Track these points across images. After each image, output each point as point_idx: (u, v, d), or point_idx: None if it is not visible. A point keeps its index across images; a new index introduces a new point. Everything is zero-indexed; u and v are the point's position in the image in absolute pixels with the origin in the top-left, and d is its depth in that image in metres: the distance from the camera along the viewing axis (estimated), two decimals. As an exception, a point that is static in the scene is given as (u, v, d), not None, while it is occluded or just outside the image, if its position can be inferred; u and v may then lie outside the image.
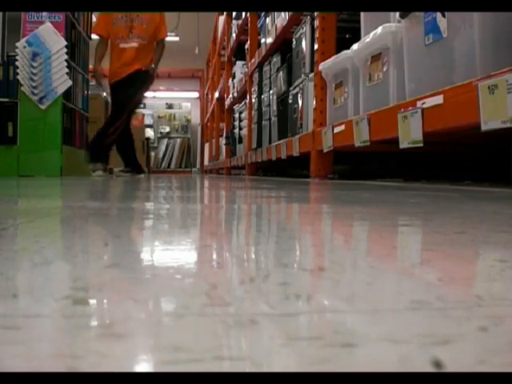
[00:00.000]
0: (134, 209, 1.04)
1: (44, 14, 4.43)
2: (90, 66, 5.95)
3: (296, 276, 0.37)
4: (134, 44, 4.74)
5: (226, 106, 8.06)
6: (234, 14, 6.87)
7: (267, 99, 4.68)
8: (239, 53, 6.95)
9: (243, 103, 6.31)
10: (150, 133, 12.67)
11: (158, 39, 4.92)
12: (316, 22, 3.14)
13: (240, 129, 6.55)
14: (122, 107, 4.79)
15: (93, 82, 5.68)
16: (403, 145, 1.87)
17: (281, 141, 3.92)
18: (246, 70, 5.95)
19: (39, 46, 4.31)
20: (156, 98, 13.21)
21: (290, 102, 3.74)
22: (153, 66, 4.88)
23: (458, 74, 1.61)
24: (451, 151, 2.84)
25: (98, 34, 4.89)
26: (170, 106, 13.90)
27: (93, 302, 0.30)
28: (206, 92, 12.83)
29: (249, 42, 5.79)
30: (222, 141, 8.40)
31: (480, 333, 0.24)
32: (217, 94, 9.46)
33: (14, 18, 4.36)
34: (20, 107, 4.37)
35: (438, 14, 1.69)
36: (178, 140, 13.72)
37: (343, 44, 2.80)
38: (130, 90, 4.71)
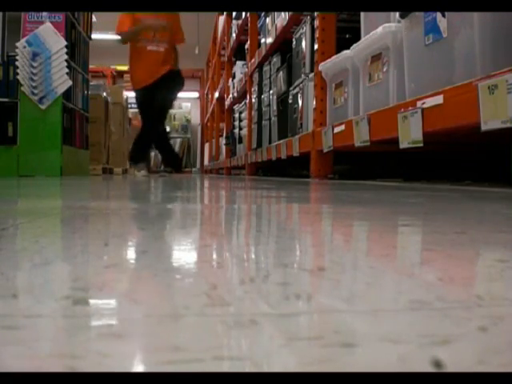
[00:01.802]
0: (135, 209, 1.04)
1: (44, 14, 4.43)
2: (91, 66, 5.95)
3: (296, 276, 0.37)
4: (161, 49, 4.81)
5: (226, 106, 8.06)
6: (233, 14, 6.87)
7: (267, 99, 4.68)
8: (239, 53, 6.95)
9: (243, 103, 6.31)
10: (150, 133, 12.65)
11: (176, 44, 4.97)
12: (316, 22, 3.14)
13: (240, 129, 6.55)
14: (164, 109, 4.95)
15: (93, 82, 5.68)
16: (403, 145, 1.87)
17: (281, 141, 3.92)
18: (246, 69, 5.95)
19: (39, 46, 4.31)
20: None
21: (290, 102, 3.74)
22: (177, 65, 4.95)
23: (458, 74, 1.61)
24: (451, 151, 2.84)
25: (124, 32, 4.92)
26: (169, 106, 13.88)
27: (93, 301, 0.30)
28: (206, 92, 12.83)
29: (249, 42, 5.79)
30: (222, 141, 8.40)
31: (480, 333, 0.24)
32: (217, 94, 9.46)
33: (14, 18, 4.36)
34: (20, 107, 4.36)
35: (438, 14, 1.69)
36: (178, 140, 13.71)
37: (343, 44, 2.80)
38: (168, 90, 4.82)
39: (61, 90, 4.40)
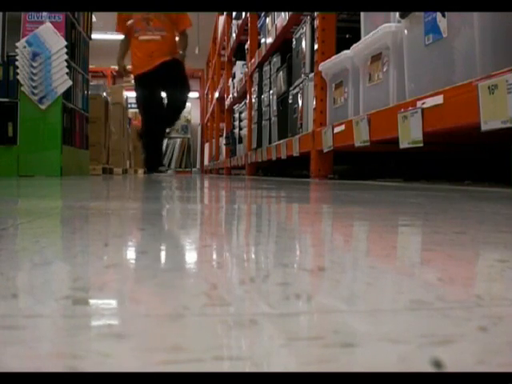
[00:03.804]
0: (135, 209, 1.04)
1: (44, 14, 4.43)
2: (91, 66, 5.95)
3: (296, 276, 0.37)
4: (156, 37, 4.79)
5: (226, 106, 8.06)
6: (233, 14, 6.87)
7: (267, 99, 4.68)
8: (239, 53, 6.95)
9: (243, 103, 6.31)
10: (149, 133, 12.64)
11: (181, 30, 4.93)
12: (316, 22, 3.14)
13: (240, 129, 6.55)
14: (181, 105, 4.92)
15: (93, 82, 5.68)
16: (403, 145, 1.87)
17: (281, 141, 3.92)
18: (246, 69, 5.95)
19: (39, 46, 4.31)
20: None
21: (290, 101, 3.74)
22: (180, 52, 4.90)
23: (458, 73, 1.61)
24: (451, 151, 2.84)
25: (118, 32, 4.96)
26: (170, 106, 13.87)
27: (93, 302, 0.30)
28: (206, 92, 12.83)
29: (249, 42, 5.79)
30: (222, 141, 8.40)
31: (480, 333, 0.24)
32: (217, 94, 9.46)
33: (14, 18, 4.36)
34: (20, 107, 4.36)
35: (438, 14, 1.69)
36: (178, 140, 13.71)
37: (343, 44, 2.80)
38: (172, 87, 4.78)
39: (61, 90, 4.40)
